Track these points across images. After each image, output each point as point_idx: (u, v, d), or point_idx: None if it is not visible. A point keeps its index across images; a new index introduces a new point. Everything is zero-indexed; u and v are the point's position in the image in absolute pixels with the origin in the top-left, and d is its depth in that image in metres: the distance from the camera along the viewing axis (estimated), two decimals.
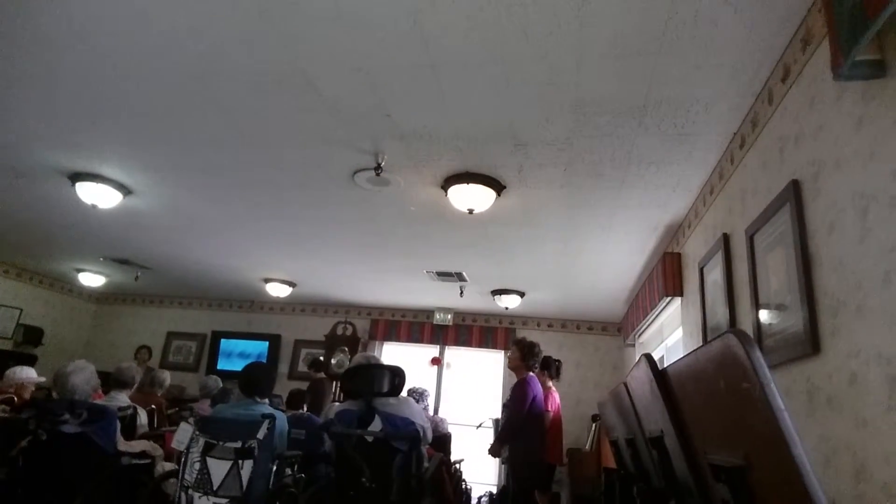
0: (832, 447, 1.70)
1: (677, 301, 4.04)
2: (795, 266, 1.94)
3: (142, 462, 2.80)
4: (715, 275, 2.99)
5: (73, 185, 4.07)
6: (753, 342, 0.67)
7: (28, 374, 4.16)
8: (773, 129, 2.27)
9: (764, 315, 2.28)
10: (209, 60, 2.53)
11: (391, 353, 8.02)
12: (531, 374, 4.11)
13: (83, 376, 2.88)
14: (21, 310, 7.74)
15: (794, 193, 1.99)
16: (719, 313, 2.89)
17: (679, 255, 3.96)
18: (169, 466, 2.93)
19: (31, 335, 7.73)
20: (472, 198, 3.55)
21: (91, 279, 7.51)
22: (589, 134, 2.87)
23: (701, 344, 3.19)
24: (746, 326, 2.44)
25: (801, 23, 1.98)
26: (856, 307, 1.60)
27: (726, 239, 2.82)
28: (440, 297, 7.05)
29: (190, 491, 2.59)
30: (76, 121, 3.22)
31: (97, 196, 4.09)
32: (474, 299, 6.89)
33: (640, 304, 5.15)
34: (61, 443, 2.56)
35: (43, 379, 4.24)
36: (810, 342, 1.82)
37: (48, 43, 2.49)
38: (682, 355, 1.05)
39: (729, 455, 0.77)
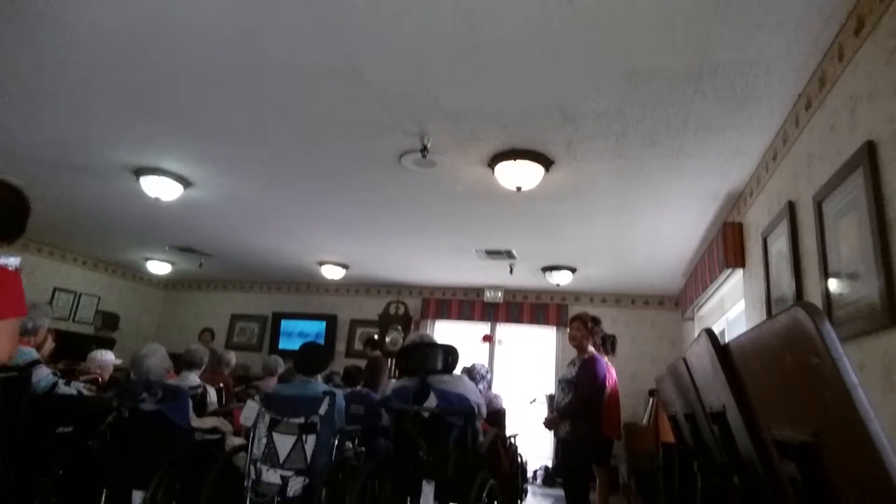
0: None
1: (739, 273, 3.88)
2: (870, 232, 1.82)
3: (213, 437, 2.98)
4: (780, 244, 2.85)
5: (138, 179, 4.30)
6: (824, 316, 0.64)
7: (108, 357, 4.50)
8: (844, 88, 2.12)
9: (834, 285, 2.16)
10: (260, 56, 2.59)
11: (443, 331, 8.13)
12: (596, 352, 3.94)
13: (156, 359, 3.09)
14: (99, 297, 8.32)
15: (868, 155, 1.86)
16: (785, 285, 2.76)
17: (740, 224, 3.79)
18: (238, 441, 3.10)
19: (109, 321, 8.32)
20: (519, 175, 3.50)
21: (159, 267, 7.96)
22: (641, 102, 2.77)
23: (765, 317, 3.06)
24: (815, 298, 2.33)
25: None
26: None
27: (792, 207, 2.68)
28: (490, 275, 7.05)
29: (258, 464, 2.75)
30: (139, 120, 3.38)
31: (160, 189, 4.31)
32: (524, 276, 6.85)
33: (699, 277, 4.98)
34: (141, 419, 2.76)
35: (120, 361, 4.57)
36: (888, 313, 1.71)
37: (111, 50, 2.61)
38: (744, 329, 1.02)
39: (796, 432, 0.75)
